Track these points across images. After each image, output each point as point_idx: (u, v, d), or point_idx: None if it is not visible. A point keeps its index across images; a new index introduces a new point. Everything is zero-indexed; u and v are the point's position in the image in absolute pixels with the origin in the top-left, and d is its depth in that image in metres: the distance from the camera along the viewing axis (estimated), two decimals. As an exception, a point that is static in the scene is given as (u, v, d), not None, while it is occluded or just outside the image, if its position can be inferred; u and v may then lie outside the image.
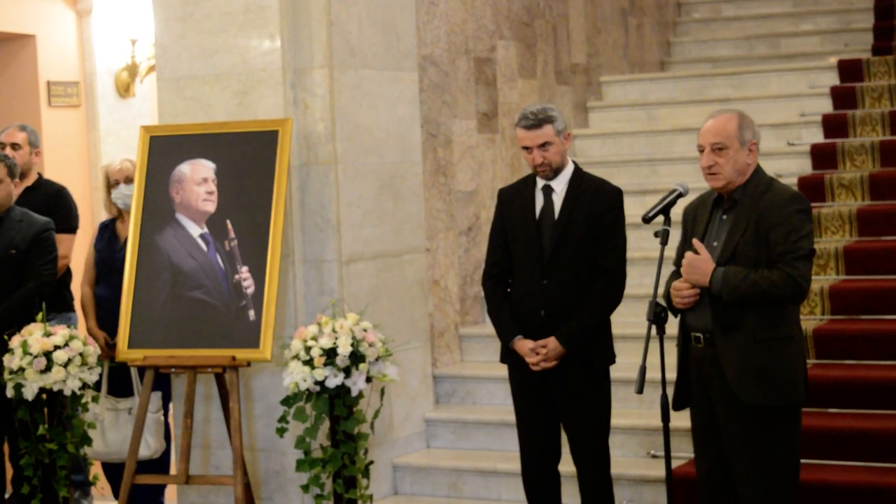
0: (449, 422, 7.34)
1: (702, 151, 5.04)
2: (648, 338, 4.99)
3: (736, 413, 4.92)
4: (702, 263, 4.93)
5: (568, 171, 5.66)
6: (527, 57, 8.85)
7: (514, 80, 8.66)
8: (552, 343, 5.51)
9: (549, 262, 5.57)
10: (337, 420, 6.06)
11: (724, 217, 5.04)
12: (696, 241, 4.98)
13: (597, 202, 5.59)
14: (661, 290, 5.15)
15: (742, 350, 4.89)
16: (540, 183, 5.67)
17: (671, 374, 5.16)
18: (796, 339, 5.00)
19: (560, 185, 5.63)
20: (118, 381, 6.78)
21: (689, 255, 4.97)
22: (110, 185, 6.95)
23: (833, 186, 8.14)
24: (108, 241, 6.94)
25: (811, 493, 5.83)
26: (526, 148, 5.59)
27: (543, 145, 5.56)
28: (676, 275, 5.14)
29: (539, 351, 5.52)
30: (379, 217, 6.90)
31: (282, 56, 6.57)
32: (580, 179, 5.65)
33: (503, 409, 7.10)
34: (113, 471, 6.96)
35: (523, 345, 5.57)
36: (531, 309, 5.60)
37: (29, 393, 6.21)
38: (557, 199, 5.62)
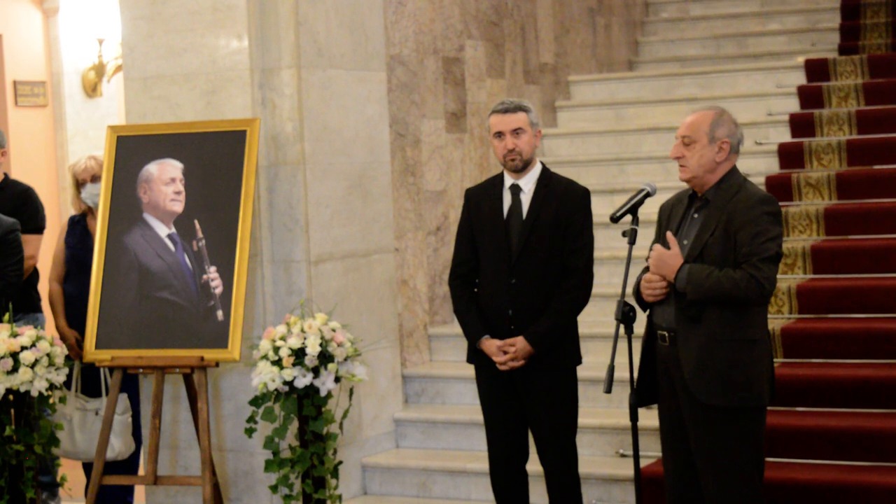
0: (418, 422, 7.33)
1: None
2: (616, 337, 5.00)
3: (696, 412, 4.94)
4: (670, 258, 4.94)
5: (536, 170, 5.67)
6: (495, 56, 8.86)
7: (482, 80, 8.66)
8: (520, 343, 5.51)
9: (517, 261, 5.57)
10: (306, 420, 6.05)
11: (696, 216, 5.05)
12: (669, 235, 4.99)
13: (565, 202, 5.59)
14: (629, 290, 5.15)
15: (702, 349, 4.90)
16: (507, 182, 5.67)
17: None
18: (761, 341, 4.97)
19: (528, 185, 5.64)
20: (90, 381, 6.75)
21: (658, 248, 4.98)
22: (78, 184, 6.91)
23: (800, 185, 8.17)
24: (80, 237, 6.87)
25: (779, 492, 5.86)
26: (498, 135, 5.59)
27: (517, 131, 5.56)
28: (648, 270, 5.15)
29: (507, 350, 5.53)
30: (347, 217, 6.90)
31: (250, 56, 6.55)
32: (548, 179, 5.66)
33: (472, 409, 7.10)
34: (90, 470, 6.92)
35: (490, 344, 5.57)
36: (499, 308, 5.59)
37: (-5, 394, 6.18)
38: (525, 199, 5.62)
